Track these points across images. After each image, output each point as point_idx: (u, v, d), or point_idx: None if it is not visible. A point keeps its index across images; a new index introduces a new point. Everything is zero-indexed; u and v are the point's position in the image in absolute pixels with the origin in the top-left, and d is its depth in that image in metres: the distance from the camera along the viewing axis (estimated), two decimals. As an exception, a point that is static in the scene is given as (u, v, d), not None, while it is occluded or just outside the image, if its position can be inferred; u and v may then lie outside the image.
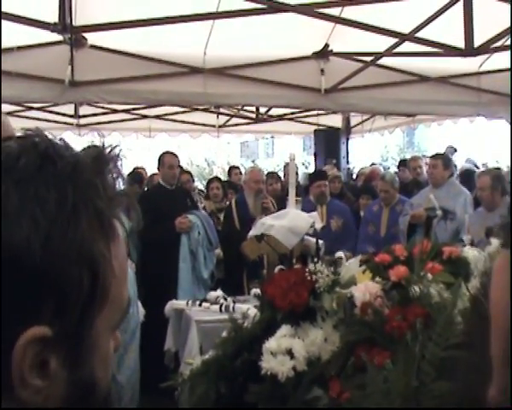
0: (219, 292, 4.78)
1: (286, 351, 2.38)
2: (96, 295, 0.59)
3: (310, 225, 3.26)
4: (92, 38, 5.50)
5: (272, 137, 12.83)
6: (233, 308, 4.27)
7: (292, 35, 5.90)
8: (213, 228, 5.68)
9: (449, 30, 5.15)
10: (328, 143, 9.74)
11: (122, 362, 4.38)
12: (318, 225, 3.44)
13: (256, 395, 2.43)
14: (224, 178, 9.21)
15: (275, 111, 9.06)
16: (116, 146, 0.66)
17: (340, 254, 3.37)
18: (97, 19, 5.15)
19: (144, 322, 4.71)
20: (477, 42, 4.90)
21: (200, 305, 4.62)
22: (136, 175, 7.24)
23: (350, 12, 5.43)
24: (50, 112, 8.37)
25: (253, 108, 8.97)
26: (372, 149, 21.59)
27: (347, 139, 10.14)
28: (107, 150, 0.65)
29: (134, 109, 8.78)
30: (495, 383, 0.38)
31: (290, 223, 3.45)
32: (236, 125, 10.00)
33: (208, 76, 6.12)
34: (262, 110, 9.06)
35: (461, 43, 4.99)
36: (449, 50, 5.37)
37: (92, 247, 0.59)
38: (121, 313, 0.66)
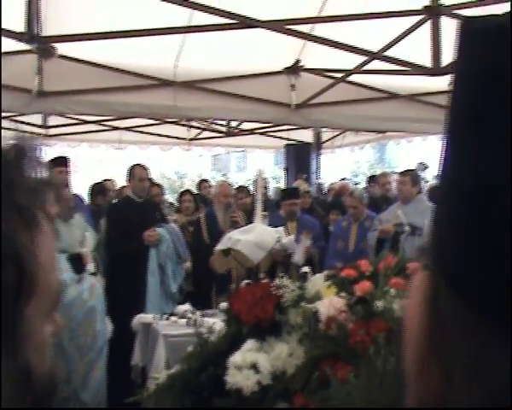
0: (187, 306, 4.77)
1: (251, 365, 2.38)
2: (23, 288, 0.59)
3: (276, 240, 3.29)
4: (62, 48, 5.45)
5: (244, 151, 12.84)
6: (200, 322, 4.25)
7: (263, 50, 5.94)
8: (182, 241, 5.65)
9: (417, 49, 5.24)
10: (299, 158, 9.80)
11: (87, 380, 4.33)
12: (285, 240, 3.46)
13: (221, 409, 2.42)
14: (195, 191, 9.20)
15: (246, 125, 9.08)
16: (37, 138, 0.66)
17: (306, 268, 3.38)
18: (68, 29, 5.11)
19: (112, 336, 4.66)
20: (445, 61, 4.99)
21: (167, 319, 4.60)
22: (100, 187, 7.16)
23: (321, 29, 5.50)
24: (18, 121, 8.24)
25: (225, 122, 8.98)
26: (343, 165, 21.77)
27: (318, 154, 10.21)
28: (26, 144, 0.66)
29: (104, 121, 8.69)
30: (412, 395, 0.39)
31: (256, 238, 3.46)
32: (208, 138, 9.99)
33: (179, 89, 6.11)
34: (233, 124, 9.07)
35: (428, 63, 5.08)
36: (416, 69, 5.46)
37: (15, 242, 0.59)
38: (53, 299, 0.66)
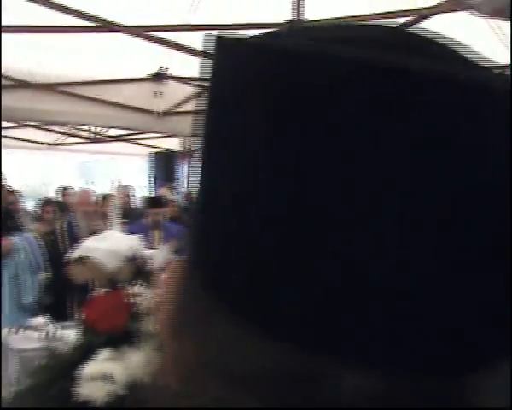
0: (44, 319, 4.56)
1: (105, 376, 2.31)
2: None
3: (130, 248, 3.24)
4: None
5: (111, 158, 12.53)
6: (57, 335, 4.08)
7: (129, 55, 5.82)
8: (39, 251, 5.41)
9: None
10: (166, 166, 9.73)
11: None
12: (139, 248, 3.42)
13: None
14: (57, 199, 8.81)
15: (113, 131, 8.86)
16: None
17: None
18: None
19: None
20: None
21: (17, 332, 4.38)
22: None
23: (188, 36, 5.47)
24: None
25: (88, 127, 8.70)
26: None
27: (185, 163, 10.19)
28: None
29: (-45, 122, 8.11)
30: (172, 374, 0.37)
31: (111, 245, 3.38)
32: (72, 143, 9.64)
33: (38, 91, 5.85)
34: (99, 130, 8.82)
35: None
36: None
37: None
38: None
